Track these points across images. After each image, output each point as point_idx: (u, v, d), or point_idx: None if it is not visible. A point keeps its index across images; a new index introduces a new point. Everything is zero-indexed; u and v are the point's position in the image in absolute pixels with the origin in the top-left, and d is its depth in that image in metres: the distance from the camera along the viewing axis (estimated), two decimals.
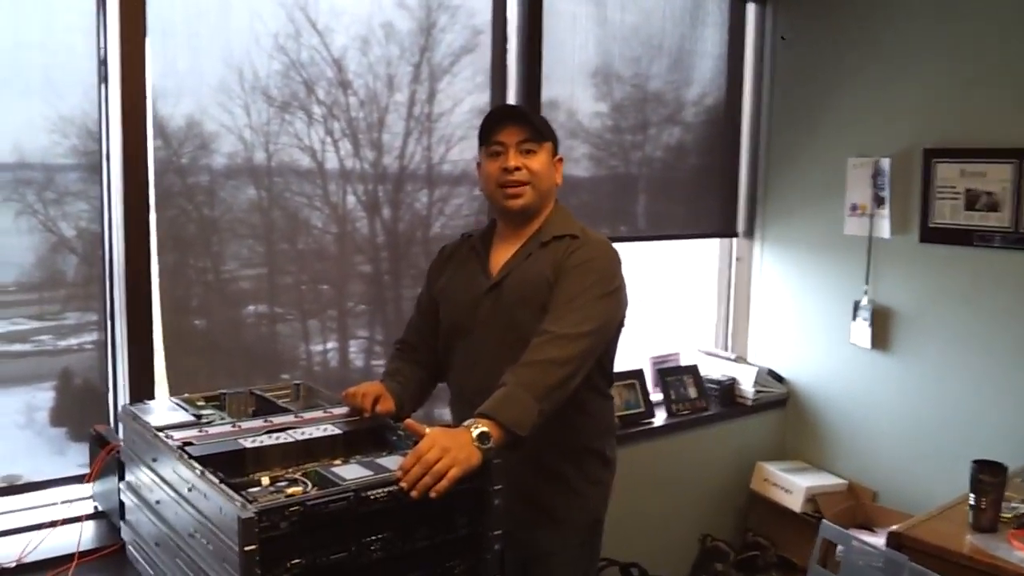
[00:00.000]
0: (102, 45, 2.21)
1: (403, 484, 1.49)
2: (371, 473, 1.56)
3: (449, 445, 1.56)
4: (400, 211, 2.65)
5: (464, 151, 2.72)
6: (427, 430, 1.64)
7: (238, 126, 2.29)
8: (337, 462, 1.70)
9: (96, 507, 2.20)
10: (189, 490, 1.53)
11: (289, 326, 2.47)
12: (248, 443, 1.68)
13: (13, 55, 2.08)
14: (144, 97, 2.20)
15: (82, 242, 2.20)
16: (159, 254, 2.26)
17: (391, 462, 1.62)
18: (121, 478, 1.94)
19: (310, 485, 1.54)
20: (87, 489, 2.22)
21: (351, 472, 1.57)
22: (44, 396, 2.29)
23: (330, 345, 2.58)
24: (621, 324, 2.09)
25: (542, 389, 1.78)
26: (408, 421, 1.71)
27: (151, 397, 2.34)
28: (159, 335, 2.34)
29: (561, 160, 2.18)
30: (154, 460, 1.71)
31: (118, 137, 2.20)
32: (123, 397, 2.35)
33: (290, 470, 1.66)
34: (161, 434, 1.72)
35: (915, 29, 3.31)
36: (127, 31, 2.17)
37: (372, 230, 2.59)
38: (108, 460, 2.08)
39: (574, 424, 2.03)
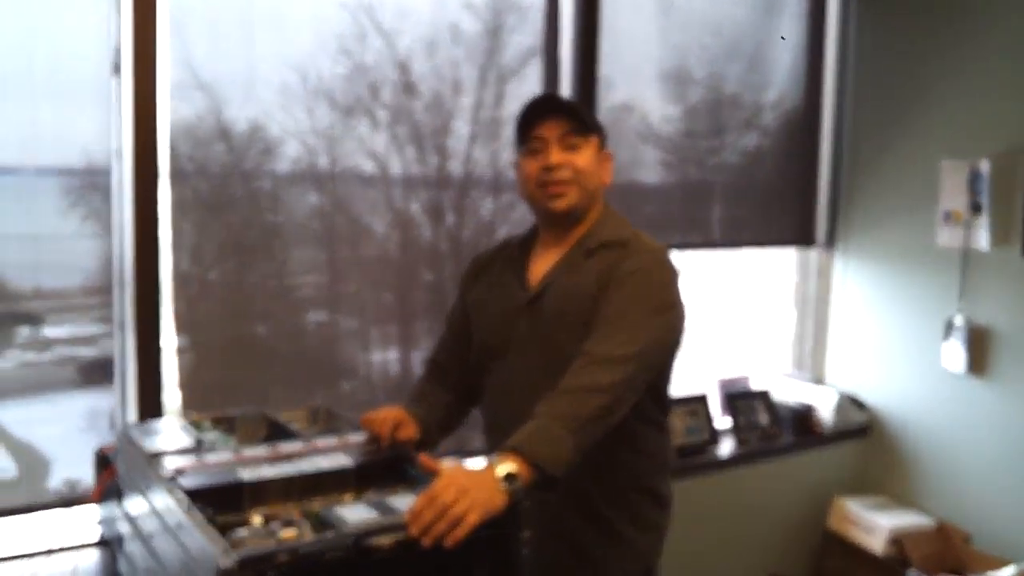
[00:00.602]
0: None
1: (412, 530, 1.30)
2: (378, 515, 1.37)
3: (468, 486, 1.35)
4: (464, 218, 2.61)
5: None
6: (443, 467, 1.42)
7: (301, 131, 2.29)
8: (347, 497, 1.55)
9: (102, 535, 2.06)
10: (177, 526, 1.38)
11: (349, 334, 2.48)
12: (247, 474, 1.53)
13: (85, 63, 2.13)
14: (151, 100, 2.14)
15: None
16: (219, 260, 2.27)
17: (403, 502, 1.43)
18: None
19: (307, 528, 1.37)
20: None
21: (356, 513, 1.39)
22: (108, 400, 2.28)
23: (391, 355, 2.56)
24: (676, 346, 1.84)
25: (577, 421, 1.55)
26: (422, 456, 1.48)
27: (158, 414, 2.22)
28: (173, 345, 2.28)
29: (610, 156, 1.93)
30: (147, 488, 1.57)
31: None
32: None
33: (291, 506, 1.50)
34: (154, 460, 1.59)
35: (1018, 15, 3.04)
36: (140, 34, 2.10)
37: (435, 237, 2.56)
38: (110, 485, 1.95)
39: (623, 460, 1.79)
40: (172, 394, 2.27)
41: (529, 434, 1.51)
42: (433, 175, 2.54)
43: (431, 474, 1.43)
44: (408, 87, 2.46)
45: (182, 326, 2.26)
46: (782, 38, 3.45)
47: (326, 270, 2.42)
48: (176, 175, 2.20)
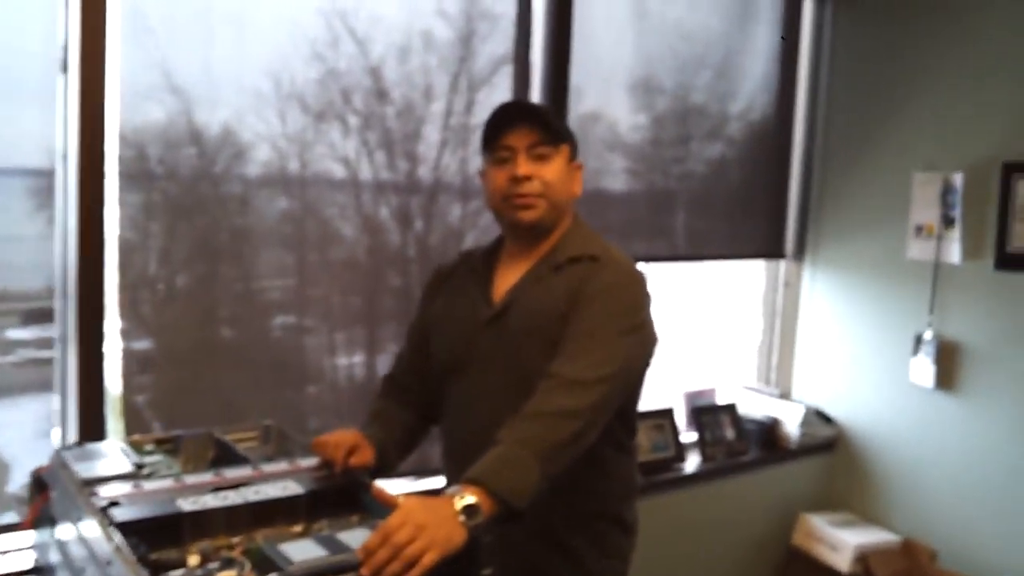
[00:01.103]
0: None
1: (364, 572, 1.21)
2: (327, 553, 1.26)
3: (425, 522, 1.26)
4: (433, 224, 2.61)
5: None
6: (400, 499, 1.32)
7: (273, 135, 2.29)
8: (296, 528, 1.43)
9: (37, 560, 1.91)
10: (108, 564, 1.26)
11: (316, 338, 2.47)
12: (187, 505, 1.41)
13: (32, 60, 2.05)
14: (102, 105, 2.05)
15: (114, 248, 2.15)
16: (188, 264, 2.25)
17: (355, 538, 1.31)
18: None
19: (247, 567, 1.26)
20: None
21: (303, 551, 1.28)
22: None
23: (356, 358, 2.55)
24: (647, 367, 1.75)
25: (546, 448, 1.46)
26: (377, 489, 1.38)
27: (101, 436, 2.09)
28: (136, 348, 2.21)
29: (580, 166, 1.84)
30: (78, 519, 1.44)
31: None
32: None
33: (235, 540, 1.38)
34: (87, 489, 1.47)
35: (993, 27, 3.01)
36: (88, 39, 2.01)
37: (404, 242, 2.55)
38: (45, 509, 1.79)
39: (588, 486, 1.70)
40: (129, 401, 2.19)
41: (492, 463, 1.41)
42: (403, 181, 2.53)
43: (387, 507, 1.34)
44: (380, 93, 2.44)
45: (146, 330, 2.19)
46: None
47: (294, 274, 2.40)
48: (145, 178, 2.15)
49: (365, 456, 1.65)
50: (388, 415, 1.84)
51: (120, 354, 2.15)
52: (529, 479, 1.42)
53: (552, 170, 1.74)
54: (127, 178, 2.11)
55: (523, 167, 1.71)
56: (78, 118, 2.01)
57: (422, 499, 1.31)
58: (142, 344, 2.21)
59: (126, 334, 2.15)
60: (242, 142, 2.27)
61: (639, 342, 1.69)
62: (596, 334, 1.61)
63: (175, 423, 2.16)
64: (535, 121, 1.74)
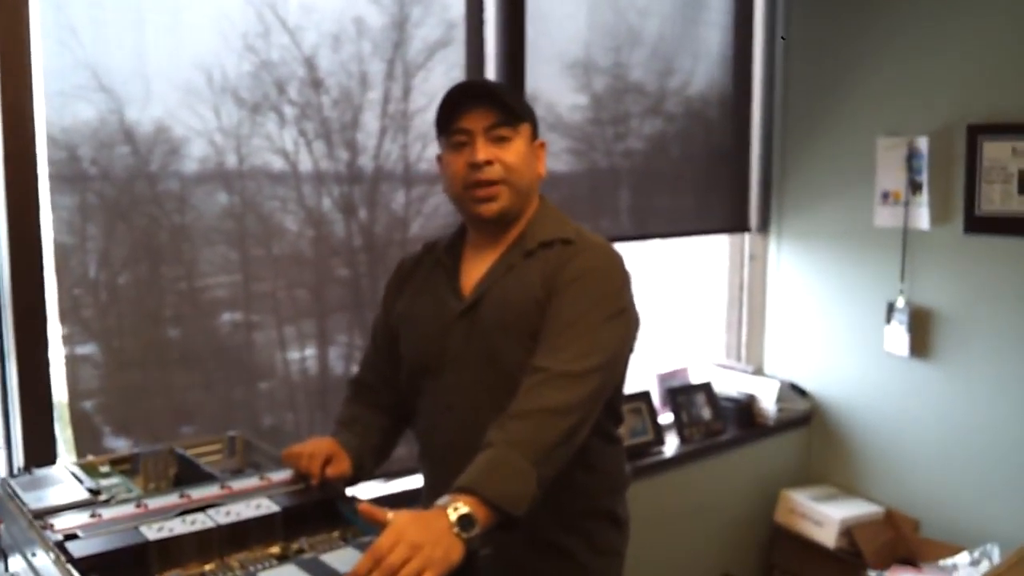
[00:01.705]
0: None
1: None
2: None
3: (420, 540, 1.15)
4: (376, 212, 2.57)
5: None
6: (390, 516, 1.20)
7: (208, 130, 2.25)
8: (274, 550, 1.32)
9: None
10: None
11: (265, 334, 2.43)
12: (152, 533, 1.28)
13: None
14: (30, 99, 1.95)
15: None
16: (128, 265, 2.18)
17: (342, 560, 1.21)
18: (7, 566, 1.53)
19: None
20: None
21: None
22: None
23: (308, 352, 2.51)
24: (632, 351, 1.66)
25: (540, 449, 1.36)
26: (364, 506, 1.26)
27: (51, 455, 1.94)
28: (79, 354, 2.10)
29: (543, 145, 1.73)
30: (31, 555, 1.30)
31: None
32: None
33: (207, 568, 1.27)
34: (38, 522, 1.33)
35: None
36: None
37: (348, 232, 2.52)
38: None
39: (577, 480, 1.59)
40: (77, 409, 2.08)
41: (485, 468, 1.31)
42: (344, 170, 2.48)
43: (376, 525, 1.22)
44: (315, 83, 2.40)
45: (90, 335, 2.10)
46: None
47: (238, 270, 2.34)
48: (78, 179, 2.06)
49: (342, 466, 1.55)
50: (361, 420, 1.72)
51: (64, 361, 2.05)
52: (525, 484, 1.31)
53: (513, 152, 1.62)
54: (59, 180, 2.01)
55: (482, 151, 1.59)
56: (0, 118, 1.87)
57: (414, 514, 1.20)
58: (87, 349, 2.13)
59: (68, 339, 2.04)
60: (176, 138, 2.23)
61: (624, 327, 1.59)
62: (579, 323, 1.51)
63: (126, 428, 2.12)
64: (492, 101, 1.62)
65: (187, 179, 2.25)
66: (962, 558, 2.75)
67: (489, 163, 1.59)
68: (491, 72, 2.70)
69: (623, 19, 3.03)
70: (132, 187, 2.15)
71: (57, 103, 2.00)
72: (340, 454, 1.56)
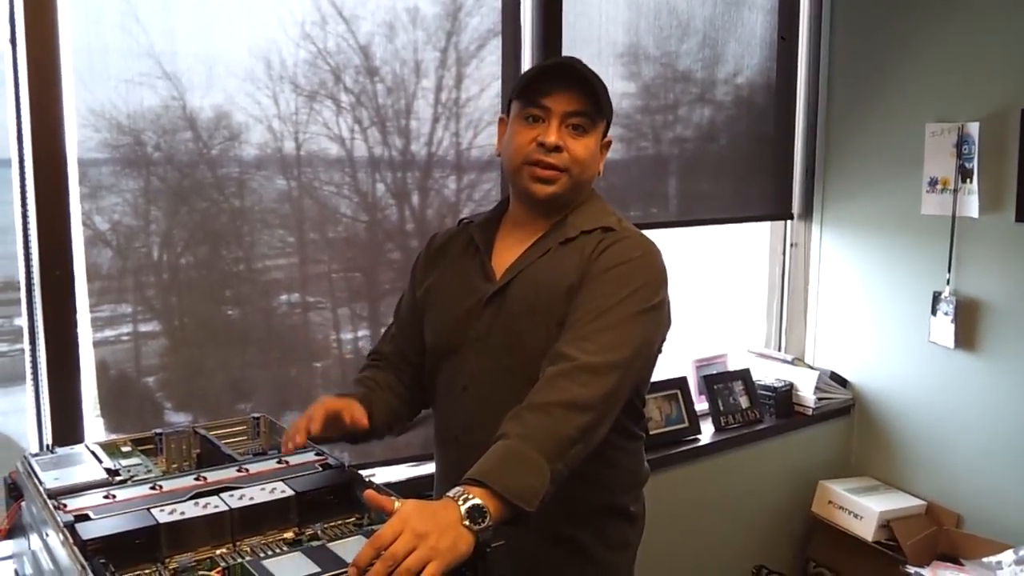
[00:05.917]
0: None
1: None
2: (317, 570, 1.14)
3: (426, 529, 1.12)
4: (429, 198, 2.64)
5: (492, 136, 2.57)
6: (397, 504, 1.18)
7: (267, 116, 2.33)
8: (287, 535, 1.32)
9: (16, 571, 1.78)
10: None
11: (320, 315, 2.52)
12: (164, 516, 1.28)
13: None
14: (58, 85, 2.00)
15: (116, 235, 2.17)
16: (189, 246, 2.28)
17: (350, 548, 1.19)
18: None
19: None
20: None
21: (290, 569, 1.15)
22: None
23: (361, 332, 2.58)
24: (660, 352, 1.63)
25: (556, 444, 1.33)
26: (369, 492, 1.24)
27: (75, 436, 1.98)
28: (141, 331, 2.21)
29: (609, 144, 1.69)
30: (45, 534, 1.32)
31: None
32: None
33: (218, 552, 1.27)
34: (52, 501, 1.34)
35: None
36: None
37: (401, 217, 2.58)
38: (19, 518, 1.66)
39: (593, 477, 1.56)
40: (139, 384, 2.19)
41: (498, 460, 1.28)
42: (397, 157, 2.54)
43: (383, 513, 1.20)
44: (370, 71, 2.46)
45: (151, 313, 2.21)
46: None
47: (295, 252, 2.42)
48: (142, 163, 2.15)
49: (353, 412, 1.52)
50: (376, 380, 1.70)
51: (130, 338, 2.17)
52: (539, 479, 1.28)
53: (584, 145, 1.59)
54: (124, 164, 2.11)
55: (554, 135, 1.56)
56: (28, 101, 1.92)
57: (421, 503, 1.18)
58: (150, 326, 2.24)
59: (133, 317, 2.16)
60: (236, 124, 2.30)
61: (655, 324, 1.55)
62: (611, 312, 1.47)
63: (187, 404, 2.24)
64: (584, 89, 1.58)
65: (246, 164, 2.31)
66: (1007, 556, 2.67)
67: (559, 149, 1.56)
68: (527, 56, 2.69)
69: (665, 1, 3.00)
70: (194, 171, 2.23)
71: (123, 90, 2.07)
72: (352, 405, 1.52)
